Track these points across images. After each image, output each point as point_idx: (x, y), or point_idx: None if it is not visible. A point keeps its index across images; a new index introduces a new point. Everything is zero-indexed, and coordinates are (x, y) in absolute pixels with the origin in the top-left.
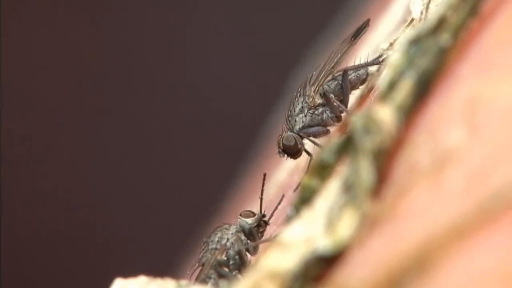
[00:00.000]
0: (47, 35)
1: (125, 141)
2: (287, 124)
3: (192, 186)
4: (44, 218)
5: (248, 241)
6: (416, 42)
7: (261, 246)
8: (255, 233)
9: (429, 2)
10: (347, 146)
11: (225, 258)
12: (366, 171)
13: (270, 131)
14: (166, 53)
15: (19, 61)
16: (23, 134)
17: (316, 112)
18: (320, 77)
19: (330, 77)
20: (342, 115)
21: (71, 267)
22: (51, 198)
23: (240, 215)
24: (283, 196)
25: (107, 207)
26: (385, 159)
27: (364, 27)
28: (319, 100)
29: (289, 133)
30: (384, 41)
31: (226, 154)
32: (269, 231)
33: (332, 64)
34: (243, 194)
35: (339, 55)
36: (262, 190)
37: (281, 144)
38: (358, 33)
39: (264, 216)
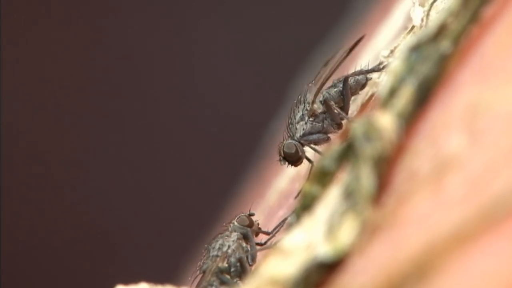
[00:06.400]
0: (51, 39)
1: (128, 146)
2: (288, 131)
3: (194, 193)
4: (45, 223)
5: (249, 248)
6: (416, 49)
7: (262, 253)
8: (251, 237)
9: (429, 9)
10: (347, 153)
11: (226, 265)
12: (366, 178)
13: (271, 139)
14: (171, 58)
15: (22, 63)
16: (24, 135)
17: (316, 119)
18: (319, 85)
19: (330, 84)
20: (343, 122)
21: (71, 273)
22: (52, 203)
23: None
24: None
25: (108, 213)
26: (385, 166)
27: (359, 41)
28: (319, 108)
29: (290, 140)
30: (384, 48)
31: (227, 161)
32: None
33: (330, 72)
34: (244, 201)
35: (337, 63)
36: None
37: (282, 152)
38: (354, 46)
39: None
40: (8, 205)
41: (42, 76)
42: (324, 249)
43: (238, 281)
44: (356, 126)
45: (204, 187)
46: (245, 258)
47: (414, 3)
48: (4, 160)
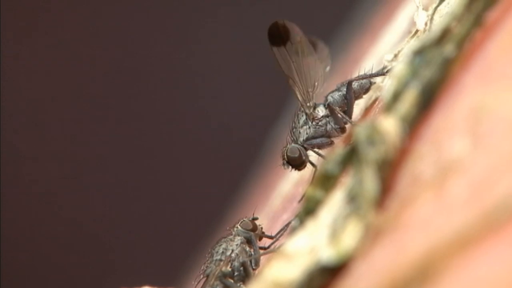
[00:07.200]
0: (50, 39)
1: (131, 150)
2: (291, 135)
3: (197, 197)
4: (46, 224)
5: (252, 252)
6: (420, 52)
7: (266, 257)
8: (254, 241)
9: (433, 13)
10: (351, 157)
11: (230, 269)
12: (370, 182)
13: (274, 143)
14: (171, 62)
15: (27, 66)
16: (24, 136)
17: (320, 123)
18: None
19: (334, 88)
20: (346, 126)
21: (74, 276)
22: (54, 204)
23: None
24: None
25: (111, 216)
26: (389, 170)
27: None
28: (323, 112)
29: (293, 144)
30: (388, 52)
31: (230, 165)
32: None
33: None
34: (248, 205)
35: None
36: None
37: (285, 156)
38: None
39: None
40: (8, 205)
41: (42, 76)
42: (327, 253)
43: (242, 285)
44: (359, 130)
45: (208, 191)
46: (248, 262)
47: (417, 7)
48: (4, 161)
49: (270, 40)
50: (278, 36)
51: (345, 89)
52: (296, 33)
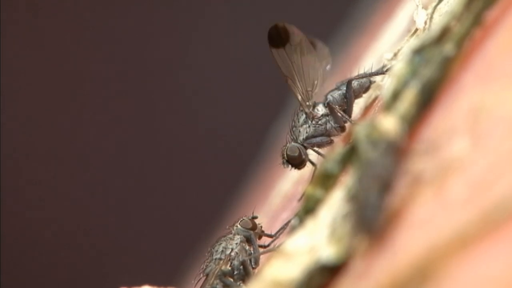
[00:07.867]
0: (48, 39)
1: (131, 149)
2: (291, 134)
3: (197, 196)
4: (46, 223)
5: (252, 251)
6: (420, 51)
7: (265, 256)
8: (254, 240)
9: (433, 12)
10: (351, 156)
11: (230, 268)
12: None
13: (274, 142)
14: (171, 61)
15: (22, 64)
16: (24, 137)
17: (319, 122)
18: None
19: (333, 87)
20: (346, 125)
21: (74, 276)
22: (54, 203)
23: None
24: None
25: (111, 215)
26: None
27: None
28: (322, 110)
29: (293, 143)
30: (388, 51)
31: (230, 164)
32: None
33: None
34: (247, 204)
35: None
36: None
37: (285, 155)
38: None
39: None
40: (9, 205)
41: (41, 76)
42: (327, 252)
43: (241, 284)
44: (359, 129)
45: (207, 190)
46: (248, 261)
47: (417, 6)
48: (4, 161)
49: (270, 42)
50: (278, 38)
51: (344, 88)
52: (296, 34)
